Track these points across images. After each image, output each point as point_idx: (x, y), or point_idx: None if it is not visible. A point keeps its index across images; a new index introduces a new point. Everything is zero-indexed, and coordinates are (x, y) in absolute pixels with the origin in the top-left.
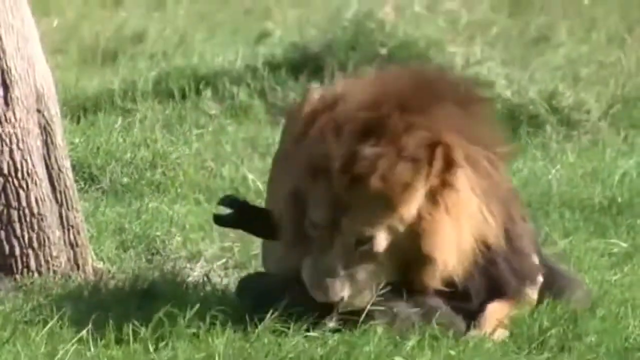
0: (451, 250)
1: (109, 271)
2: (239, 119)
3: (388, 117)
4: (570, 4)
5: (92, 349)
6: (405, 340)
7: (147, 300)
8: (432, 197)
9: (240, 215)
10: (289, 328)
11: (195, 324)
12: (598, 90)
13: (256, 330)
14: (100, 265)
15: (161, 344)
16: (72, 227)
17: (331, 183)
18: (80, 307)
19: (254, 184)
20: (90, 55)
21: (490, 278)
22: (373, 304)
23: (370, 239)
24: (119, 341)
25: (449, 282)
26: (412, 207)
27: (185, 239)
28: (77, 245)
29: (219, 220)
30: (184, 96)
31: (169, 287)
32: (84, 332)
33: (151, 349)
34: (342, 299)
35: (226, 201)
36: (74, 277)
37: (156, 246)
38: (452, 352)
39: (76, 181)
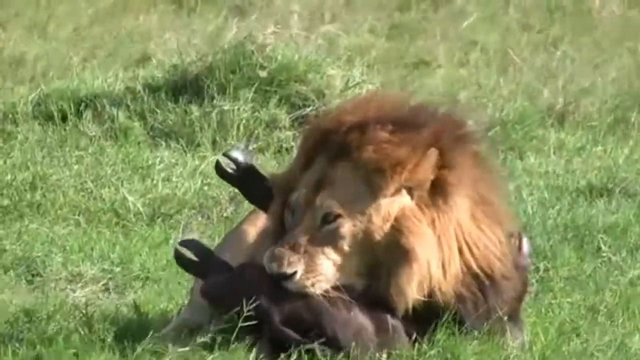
0: (434, 254)
1: None
2: (119, 141)
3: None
4: (449, 27)
5: None
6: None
7: (27, 321)
8: (422, 200)
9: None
10: (167, 348)
11: (75, 344)
12: (476, 113)
13: (135, 352)
14: None
15: None
16: None
17: (324, 161)
18: None
19: (134, 206)
20: None
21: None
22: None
23: (336, 218)
24: None
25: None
26: (394, 198)
27: (65, 260)
28: None
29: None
30: (64, 118)
31: (49, 308)
32: None
33: None
34: (294, 273)
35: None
36: None
37: (37, 268)
38: None
39: None
